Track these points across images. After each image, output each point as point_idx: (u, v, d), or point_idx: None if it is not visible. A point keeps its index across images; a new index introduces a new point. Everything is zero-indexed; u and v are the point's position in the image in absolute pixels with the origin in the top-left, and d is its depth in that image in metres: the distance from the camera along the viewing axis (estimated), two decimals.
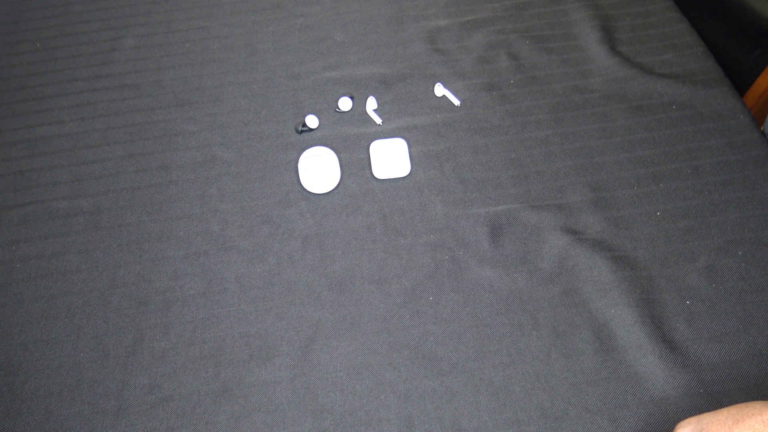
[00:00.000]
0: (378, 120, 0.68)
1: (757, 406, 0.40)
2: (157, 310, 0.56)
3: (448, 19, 0.77)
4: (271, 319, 0.56)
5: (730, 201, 0.60)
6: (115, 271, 0.59)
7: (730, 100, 0.67)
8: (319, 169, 0.63)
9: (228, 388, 0.52)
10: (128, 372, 0.53)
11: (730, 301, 0.54)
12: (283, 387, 0.52)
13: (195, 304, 0.57)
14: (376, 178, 0.64)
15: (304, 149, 0.65)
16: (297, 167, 0.65)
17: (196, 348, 0.54)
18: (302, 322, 0.55)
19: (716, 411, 0.42)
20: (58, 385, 0.53)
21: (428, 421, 0.50)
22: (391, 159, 0.64)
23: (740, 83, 0.78)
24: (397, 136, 0.66)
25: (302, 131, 0.68)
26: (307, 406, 0.51)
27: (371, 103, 0.69)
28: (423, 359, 0.53)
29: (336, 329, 0.55)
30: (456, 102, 0.67)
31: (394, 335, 0.54)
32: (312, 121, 0.68)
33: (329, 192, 0.63)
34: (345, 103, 0.69)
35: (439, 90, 0.66)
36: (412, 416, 0.50)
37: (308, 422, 0.50)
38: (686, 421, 0.43)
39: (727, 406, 0.42)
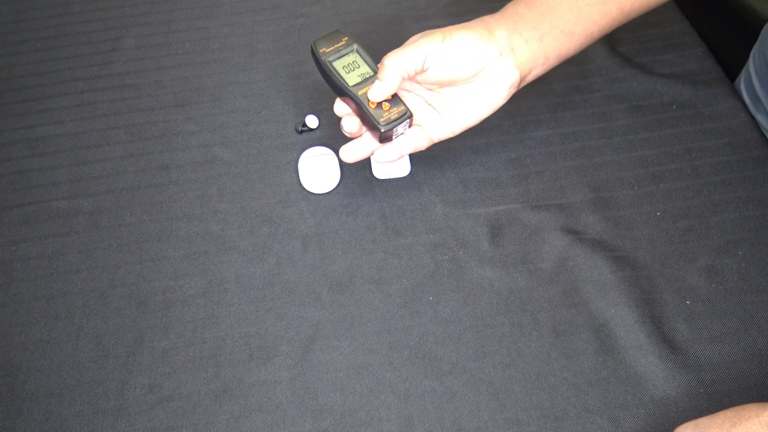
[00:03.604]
0: None
1: (753, 408, 0.40)
2: (157, 310, 0.56)
3: (448, 19, 0.77)
4: (271, 319, 0.56)
5: (730, 201, 0.60)
6: (115, 271, 0.59)
7: (730, 100, 0.67)
8: (319, 169, 0.63)
9: (228, 388, 0.52)
10: (128, 372, 0.53)
11: (730, 301, 0.54)
12: (283, 387, 0.52)
13: (195, 304, 0.57)
14: (376, 178, 0.64)
15: (304, 149, 0.65)
16: (297, 167, 0.65)
17: (196, 348, 0.54)
18: (302, 322, 0.55)
19: (713, 415, 0.42)
20: (58, 385, 0.53)
21: (428, 421, 0.50)
22: None
23: None
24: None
25: (302, 131, 0.68)
26: (307, 406, 0.51)
27: None
28: (423, 359, 0.53)
29: (336, 329, 0.55)
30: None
31: (394, 335, 0.54)
32: (312, 121, 0.68)
33: (329, 192, 0.63)
34: None
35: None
36: (412, 416, 0.50)
37: (308, 422, 0.50)
38: (683, 426, 0.43)
39: (727, 406, 0.42)
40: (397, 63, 0.52)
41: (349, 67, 0.55)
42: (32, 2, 0.83)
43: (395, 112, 0.54)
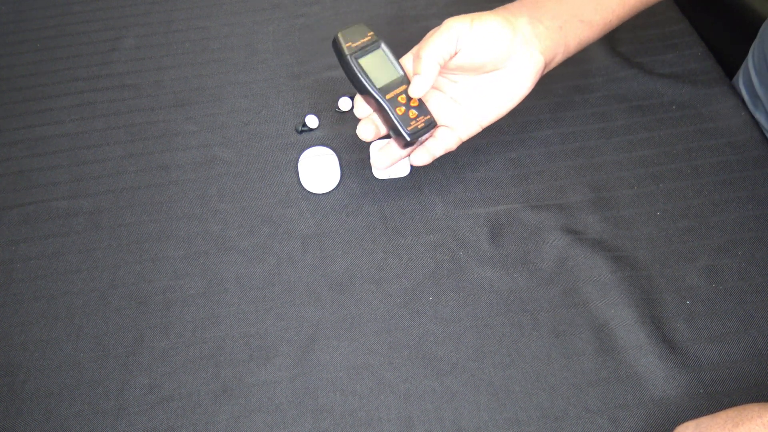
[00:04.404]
0: None
1: (755, 408, 0.40)
2: (157, 310, 0.56)
3: None
4: (271, 319, 0.56)
5: (730, 201, 0.60)
6: (115, 271, 0.59)
7: (731, 100, 0.67)
8: (319, 169, 0.63)
9: (228, 388, 0.52)
10: (128, 372, 0.53)
11: (730, 301, 0.54)
12: (283, 387, 0.52)
13: (195, 304, 0.57)
14: (376, 178, 0.64)
15: (304, 149, 0.65)
16: (297, 167, 0.65)
17: (196, 348, 0.54)
18: (302, 322, 0.55)
19: (714, 414, 0.42)
20: (58, 385, 0.53)
21: (428, 421, 0.50)
22: None
23: None
24: None
25: (302, 131, 0.68)
26: (307, 406, 0.51)
27: None
28: (423, 359, 0.53)
29: (336, 329, 0.55)
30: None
31: (394, 335, 0.54)
32: (312, 121, 0.68)
33: (329, 192, 0.63)
34: (345, 103, 0.69)
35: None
36: (412, 416, 0.50)
37: (308, 422, 0.50)
38: (684, 425, 0.43)
39: (727, 406, 0.42)
40: (433, 51, 0.51)
41: (376, 67, 0.53)
42: (32, 2, 0.83)
43: (422, 120, 0.53)
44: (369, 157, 0.65)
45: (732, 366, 0.51)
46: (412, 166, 0.64)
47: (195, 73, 0.74)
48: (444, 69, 0.55)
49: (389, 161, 0.57)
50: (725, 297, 0.54)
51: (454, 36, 0.51)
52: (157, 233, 0.61)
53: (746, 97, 0.69)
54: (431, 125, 0.53)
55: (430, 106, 0.56)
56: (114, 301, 0.57)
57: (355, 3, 0.80)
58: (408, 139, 0.53)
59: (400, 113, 0.52)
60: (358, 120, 0.55)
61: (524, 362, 0.52)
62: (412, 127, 0.53)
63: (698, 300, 0.54)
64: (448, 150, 0.56)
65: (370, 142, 0.56)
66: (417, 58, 0.52)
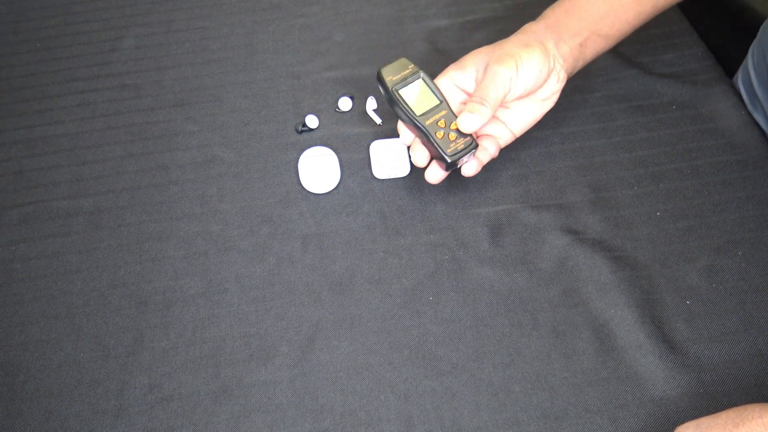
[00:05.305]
0: (378, 120, 0.68)
1: (756, 408, 0.40)
2: (157, 310, 0.56)
3: (448, 19, 0.78)
4: (271, 319, 0.56)
5: (730, 201, 0.60)
6: (115, 271, 0.59)
7: (730, 100, 0.67)
8: (319, 169, 0.63)
9: (228, 388, 0.52)
10: (128, 372, 0.53)
11: (730, 301, 0.54)
12: (283, 387, 0.52)
13: (195, 304, 0.57)
14: (376, 178, 0.64)
15: (304, 149, 0.65)
16: (297, 167, 0.65)
17: (196, 348, 0.54)
18: (302, 322, 0.55)
19: (714, 415, 0.42)
20: (58, 385, 0.53)
21: (428, 421, 0.50)
22: (391, 159, 0.64)
23: None
24: (397, 136, 0.66)
25: (302, 131, 0.68)
26: (307, 406, 0.51)
27: (371, 103, 0.69)
28: (423, 359, 0.53)
29: (336, 329, 0.55)
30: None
31: (394, 335, 0.54)
32: (312, 121, 0.68)
33: (329, 192, 0.63)
34: (345, 103, 0.69)
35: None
36: (412, 416, 0.50)
37: (308, 422, 0.50)
38: (684, 426, 0.43)
39: (727, 406, 0.42)
40: (495, 103, 0.54)
41: (416, 96, 0.56)
42: (32, 2, 0.83)
43: (461, 142, 0.54)
44: (369, 157, 0.65)
45: (732, 366, 0.51)
46: (412, 166, 0.64)
47: (195, 73, 0.74)
48: None
49: (438, 177, 0.58)
50: (725, 297, 0.54)
51: (507, 82, 0.54)
52: (157, 233, 0.61)
53: (745, 97, 0.69)
54: (471, 146, 0.55)
55: None
56: (114, 301, 0.57)
57: (355, 3, 0.80)
58: (448, 161, 0.54)
59: (439, 137, 0.54)
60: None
61: (524, 362, 0.52)
62: (451, 149, 0.54)
63: (698, 300, 0.54)
64: (492, 157, 0.58)
65: (424, 168, 0.58)
66: (479, 111, 0.54)
